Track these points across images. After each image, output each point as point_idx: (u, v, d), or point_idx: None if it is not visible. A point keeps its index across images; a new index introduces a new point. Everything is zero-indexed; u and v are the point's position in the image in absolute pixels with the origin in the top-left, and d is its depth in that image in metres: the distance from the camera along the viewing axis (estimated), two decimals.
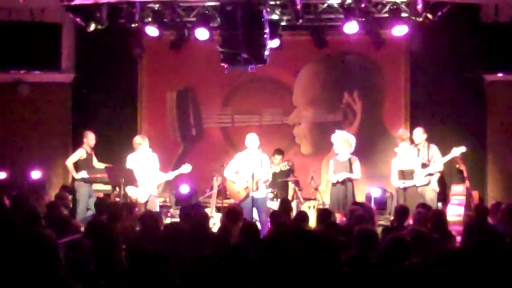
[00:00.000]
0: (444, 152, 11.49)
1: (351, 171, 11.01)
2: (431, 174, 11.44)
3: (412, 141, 11.84)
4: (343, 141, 11.16)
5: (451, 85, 13.08)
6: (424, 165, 11.43)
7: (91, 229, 6.18)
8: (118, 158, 11.95)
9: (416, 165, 11.26)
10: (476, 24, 12.78)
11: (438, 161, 11.48)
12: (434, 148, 11.67)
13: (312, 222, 10.46)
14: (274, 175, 11.37)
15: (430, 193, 11.34)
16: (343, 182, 10.96)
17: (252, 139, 11.02)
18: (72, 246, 4.94)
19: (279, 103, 14.09)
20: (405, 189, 11.05)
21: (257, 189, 10.71)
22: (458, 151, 11.32)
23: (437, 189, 11.50)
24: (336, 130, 11.43)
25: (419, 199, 10.70)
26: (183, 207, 9.48)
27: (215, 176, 11.70)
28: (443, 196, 11.93)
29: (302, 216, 8.60)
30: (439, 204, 11.41)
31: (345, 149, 11.14)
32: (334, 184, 11.07)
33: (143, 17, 11.77)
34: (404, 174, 11.11)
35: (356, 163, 11.12)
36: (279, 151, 12.60)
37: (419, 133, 11.84)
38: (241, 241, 6.68)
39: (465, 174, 11.60)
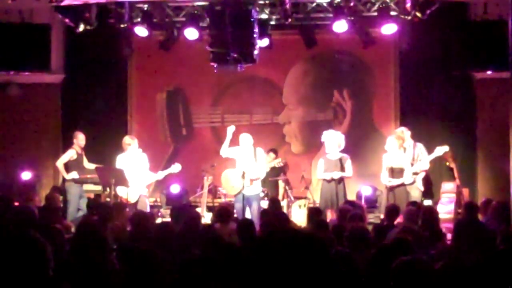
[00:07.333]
0: (434, 150, 11.52)
1: (342, 169, 11.01)
2: (416, 173, 11.42)
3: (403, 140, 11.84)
4: (333, 140, 11.17)
5: (440, 83, 13.10)
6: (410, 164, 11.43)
7: (81, 230, 6.16)
8: (108, 159, 11.93)
9: (405, 163, 11.19)
10: (465, 22, 12.83)
11: (424, 159, 11.48)
12: (420, 146, 11.63)
13: (303, 221, 10.47)
14: (266, 173, 11.39)
15: (415, 192, 11.29)
16: (335, 180, 10.97)
17: (246, 139, 11.04)
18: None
19: (269, 102, 14.09)
20: (391, 188, 10.81)
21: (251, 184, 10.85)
22: (441, 150, 11.34)
23: (422, 188, 11.49)
24: (325, 132, 11.45)
25: (408, 198, 10.70)
26: (174, 207, 9.47)
27: (206, 175, 11.70)
28: (430, 194, 11.94)
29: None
30: (425, 202, 11.37)
31: (336, 148, 11.16)
32: (327, 182, 11.04)
33: (132, 17, 11.76)
34: (393, 172, 10.99)
35: (348, 162, 11.12)
36: (273, 150, 12.68)
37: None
38: (239, 240, 6.70)
39: (455, 172, 11.64)
